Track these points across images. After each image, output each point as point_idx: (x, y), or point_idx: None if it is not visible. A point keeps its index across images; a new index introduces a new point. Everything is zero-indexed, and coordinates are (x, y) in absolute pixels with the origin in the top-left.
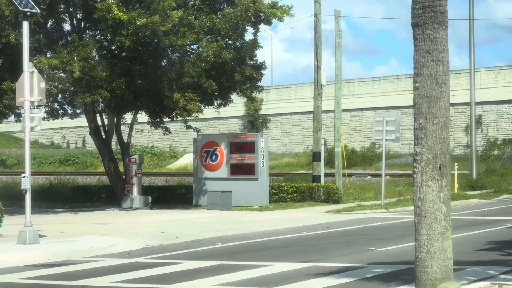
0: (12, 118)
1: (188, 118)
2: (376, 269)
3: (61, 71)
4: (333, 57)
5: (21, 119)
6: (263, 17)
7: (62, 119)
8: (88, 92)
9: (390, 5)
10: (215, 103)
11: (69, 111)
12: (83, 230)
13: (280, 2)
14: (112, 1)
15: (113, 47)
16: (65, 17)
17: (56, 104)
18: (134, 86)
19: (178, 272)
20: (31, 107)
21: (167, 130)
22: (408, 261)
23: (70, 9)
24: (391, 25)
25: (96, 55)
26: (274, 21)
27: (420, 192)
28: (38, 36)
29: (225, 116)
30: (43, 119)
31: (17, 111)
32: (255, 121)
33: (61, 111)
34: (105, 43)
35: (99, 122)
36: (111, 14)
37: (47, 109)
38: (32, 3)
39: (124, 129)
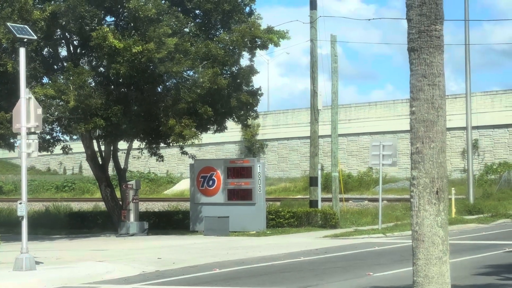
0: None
1: (184, 144)
2: None
3: (57, 100)
4: (329, 81)
5: (16, 147)
6: (259, 42)
7: (51, 152)
8: (83, 121)
9: (386, 30)
10: (211, 129)
11: (63, 141)
12: (79, 257)
13: (275, 26)
14: (107, 29)
15: (109, 74)
16: (62, 43)
17: (47, 135)
18: (130, 112)
19: None
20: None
21: (161, 158)
22: (406, 285)
23: (67, 35)
24: (387, 50)
25: (92, 82)
26: (271, 46)
27: (417, 216)
28: (34, 64)
29: (222, 141)
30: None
31: (11, 140)
32: (252, 146)
33: (52, 142)
34: (101, 69)
35: (96, 148)
36: (106, 42)
37: (39, 140)
38: (29, 30)
39: (121, 155)
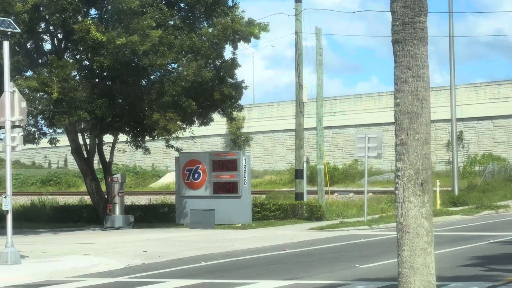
0: None
1: (169, 137)
2: (359, 286)
3: (41, 92)
4: (314, 74)
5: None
6: (241, 35)
7: (37, 145)
8: (67, 114)
9: (370, 22)
10: (196, 122)
11: (48, 134)
12: (65, 250)
13: (259, 19)
14: (90, 21)
15: (93, 67)
16: (46, 37)
17: (33, 128)
18: (115, 106)
19: None
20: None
21: (147, 151)
22: (392, 277)
23: (51, 28)
24: (372, 42)
25: (77, 75)
26: (253, 39)
27: (402, 208)
28: (18, 57)
29: (207, 134)
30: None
31: None
32: (237, 139)
33: (38, 134)
34: (86, 62)
35: (81, 142)
36: (90, 35)
37: (24, 132)
38: (13, 23)
39: (106, 148)
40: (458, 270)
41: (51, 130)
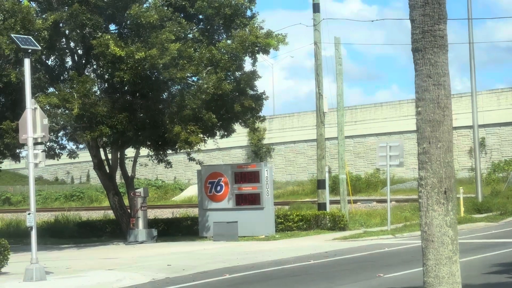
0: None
1: (190, 150)
2: None
3: (62, 108)
4: (334, 83)
5: (22, 157)
6: (259, 46)
7: (58, 159)
8: (88, 129)
9: (389, 30)
10: (218, 134)
11: (69, 148)
12: (89, 265)
13: (277, 31)
14: (108, 37)
15: (114, 81)
16: (66, 52)
17: (53, 143)
18: (136, 120)
19: None
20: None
21: (168, 164)
22: (417, 286)
23: (71, 44)
24: (391, 50)
25: (98, 90)
26: (272, 50)
27: (426, 216)
28: (39, 74)
29: (229, 147)
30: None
31: (17, 151)
32: (259, 151)
33: (58, 150)
34: (107, 76)
35: (103, 157)
36: (109, 50)
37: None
38: (33, 40)
39: (128, 163)
40: (484, 277)
41: (74, 146)
